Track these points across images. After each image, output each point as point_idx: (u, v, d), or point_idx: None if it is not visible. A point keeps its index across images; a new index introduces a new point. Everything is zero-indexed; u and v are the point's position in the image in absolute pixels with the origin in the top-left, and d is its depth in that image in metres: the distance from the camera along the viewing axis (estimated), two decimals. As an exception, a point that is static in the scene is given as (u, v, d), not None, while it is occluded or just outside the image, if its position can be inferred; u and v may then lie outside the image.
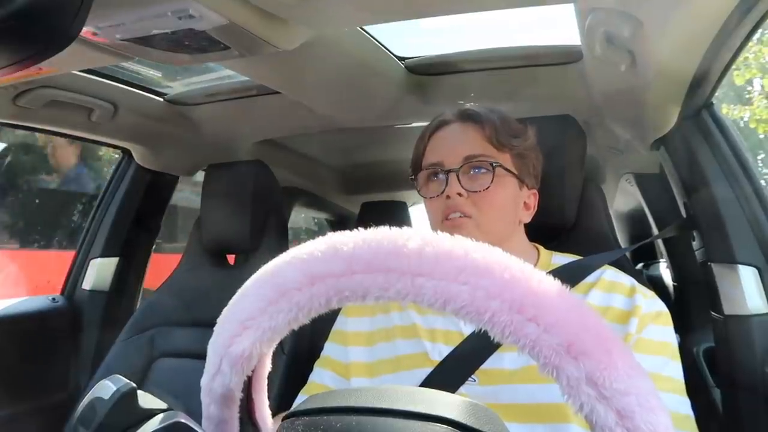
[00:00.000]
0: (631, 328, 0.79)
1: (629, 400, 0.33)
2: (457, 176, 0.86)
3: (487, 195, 0.86)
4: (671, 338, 0.81)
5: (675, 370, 0.79)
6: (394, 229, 0.39)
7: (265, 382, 0.49)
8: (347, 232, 0.40)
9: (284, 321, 0.41)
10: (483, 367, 0.77)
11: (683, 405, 0.77)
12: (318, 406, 0.39)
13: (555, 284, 0.37)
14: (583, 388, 0.34)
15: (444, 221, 0.86)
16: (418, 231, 0.38)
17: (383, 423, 0.36)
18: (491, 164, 0.87)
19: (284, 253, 0.42)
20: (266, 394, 0.50)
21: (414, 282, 0.36)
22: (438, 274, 0.36)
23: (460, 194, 0.86)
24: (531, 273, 0.37)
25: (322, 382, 0.88)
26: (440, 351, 0.82)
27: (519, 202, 0.91)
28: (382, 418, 0.36)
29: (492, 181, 0.86)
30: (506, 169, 0.88)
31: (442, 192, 0.87)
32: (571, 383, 0.34)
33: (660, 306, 0.84)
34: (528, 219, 0.93)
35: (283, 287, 0.40)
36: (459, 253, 0.37)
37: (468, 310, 0.36)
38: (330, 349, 0.92)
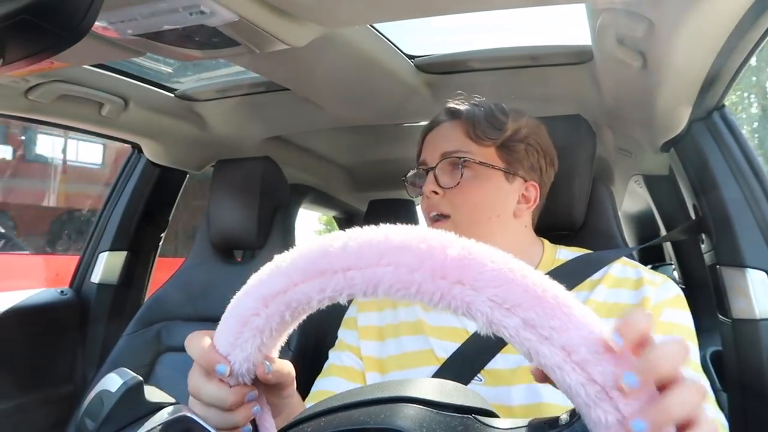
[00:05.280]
0: None
1: (570, 336, 0.34)
2: (434, 174, 0.87)
3: (461, 191, 0.86)
4: (688, 321, 0.79)
5: (693, 352, 0.77)
6: (326, 235, 0.41)
7: (268, 410, 0.50)
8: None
9: (253, 348, 0.43)
10: (489, 367, 0.77)
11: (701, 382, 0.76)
12: (296, 419, 0.41)
13: (478, 246, 0.38)
14: (523, 333, 0.35)
15: (429, 222, 0.88)
16: (345, 231, 0.40)
17: (349, 414, 0.38)
18: (459, 158, 0.87)
19: (243, 286, 0.43)
20: (271, 420, 0.50)
21: (346, 276, 0.38)
22: (364, 263, 0.38)
23: (435, 192, 0.87)
24: (451, 241, 0.38)
25: (342, 364, 0.87)
26: (446, 348, 0.81)
27: (507, 196, 0.88)
28: (349, 411, 0.38)
29: (462, 176, 0.86)
30: (481, 163, 0.86)
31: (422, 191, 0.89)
32: (511, 332, 0.35)
33: (672, 290, 0.81)
34: (527, 211, 0.91)
35: (243, 316, 0.42)
36: (379, 239, 0.38)
37: (397, 287, 0.37)
38: (343, 334, 0.92)
